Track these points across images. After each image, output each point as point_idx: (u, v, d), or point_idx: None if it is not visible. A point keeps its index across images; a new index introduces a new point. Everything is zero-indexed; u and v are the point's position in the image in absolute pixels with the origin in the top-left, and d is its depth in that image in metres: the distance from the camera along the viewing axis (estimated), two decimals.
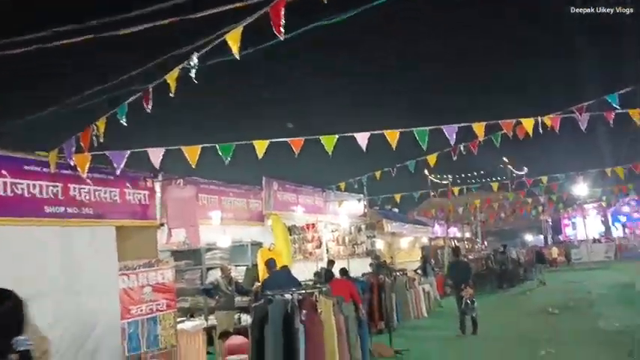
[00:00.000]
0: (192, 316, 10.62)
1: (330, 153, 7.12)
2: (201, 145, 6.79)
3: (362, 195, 15.68)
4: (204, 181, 9.24)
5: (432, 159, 10.30)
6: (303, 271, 13.11)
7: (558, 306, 13.12)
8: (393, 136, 7.37)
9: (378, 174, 11.90)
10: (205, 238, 10.16)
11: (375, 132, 7.29)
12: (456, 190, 14.29)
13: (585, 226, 31.98)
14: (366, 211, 16.65)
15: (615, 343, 8.34)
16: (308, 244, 13.16)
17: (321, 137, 7.11)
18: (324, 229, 13.82)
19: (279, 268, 9.38)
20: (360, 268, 14.59)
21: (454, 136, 7.62)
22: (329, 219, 14.11)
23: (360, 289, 9.28)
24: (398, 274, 11.04)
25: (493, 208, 22.29)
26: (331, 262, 12.41)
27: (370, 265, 14.68)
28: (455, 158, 9.78)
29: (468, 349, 9.27)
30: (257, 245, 10.76)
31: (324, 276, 8.82)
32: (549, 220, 43.92)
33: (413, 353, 9.05)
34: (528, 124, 7.99)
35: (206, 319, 9.79)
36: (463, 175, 28.20)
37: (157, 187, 8.03)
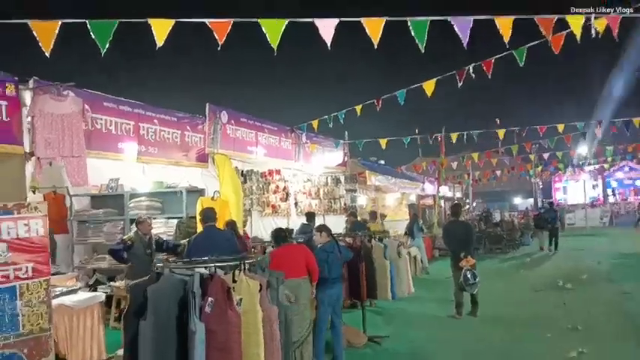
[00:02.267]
0: (112, 280, 8.24)
1: (275, 46, 4.52)
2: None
3: (341, 141, 13.15)
4: (109, 98, 6.57)
5: (429, 86, 7.73)
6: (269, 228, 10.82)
7: (569, 279, 10.91)
8: (375, 27, 4.78)
9: (358, 108, 9.29)
10: (123, 179, 7.65)
11: (347, 19, 4.69)
12: (454, 136, 11.78)
13: (584, 189, 29.94)
14: (346, 159, 14.15)
15: None
16: (271, 196, 10.69)
17: (259, 20, 4.49)
18: (292, 177, 11.33)
19: (222, 224, 6.95)
20: (339, 226, 12.30)
21: (468, 34, 5.07)
22: (299, 166, 11.61)
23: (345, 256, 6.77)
24: (384, 237, 8.48)
25: (491, 164, 19.93)
26: (310, 215, 10.01)
27: (347, 222, 12.28)
28: (460, 84, 7.22)
29: (467, 338, 6.97)
30: (196, 193, 8.22)
31: (273, 237, 6.25)
32: (540, 182, 42.24)
33: (392, 342, 6.73)
34: (576, 23, 5.45)
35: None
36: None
37: (27, 96, 5.41)
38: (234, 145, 9.00)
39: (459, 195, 28.92)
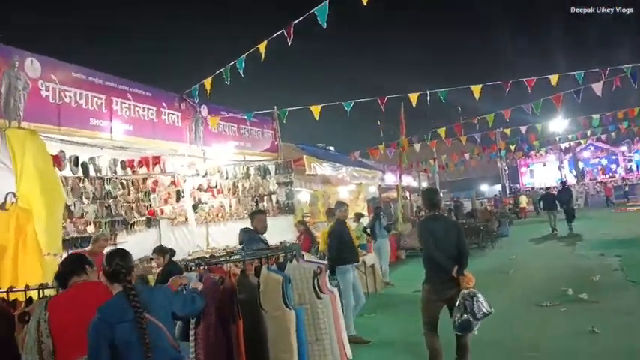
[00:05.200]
0: None
1: None
2: None
3: (254, 112, 9.73)
4: None
5: None
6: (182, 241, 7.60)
7: (579, 284, 7.90)
8: None
9: (262, 47, 5.91)
10: None
11: None
12: (413, 97, 8.49)
13: (560, 171, 27.52)
14: (277, 143, 10.80)
15: None
16: (148, 198, 7.22)
17: None
18: (186, 169, 7.89)
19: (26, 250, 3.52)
20: (276, 234, 9.04)
21: None
22: (198, 152, 8.18)
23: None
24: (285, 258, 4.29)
25: (459, 145, 16.97)
26: (258, 215, 5.86)
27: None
28: None
29: None
30: None
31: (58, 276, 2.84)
32: (506, 168, 40.17)
33: None
34: None
35: None
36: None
37: None
38: (61, 116, 5.51)
39: (425, 185, 26.02)
